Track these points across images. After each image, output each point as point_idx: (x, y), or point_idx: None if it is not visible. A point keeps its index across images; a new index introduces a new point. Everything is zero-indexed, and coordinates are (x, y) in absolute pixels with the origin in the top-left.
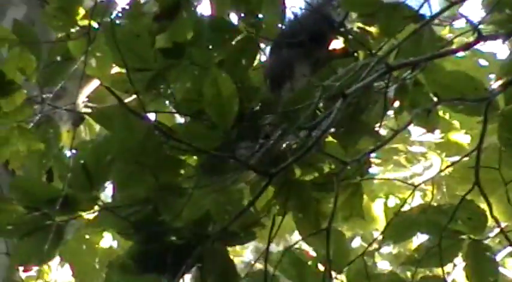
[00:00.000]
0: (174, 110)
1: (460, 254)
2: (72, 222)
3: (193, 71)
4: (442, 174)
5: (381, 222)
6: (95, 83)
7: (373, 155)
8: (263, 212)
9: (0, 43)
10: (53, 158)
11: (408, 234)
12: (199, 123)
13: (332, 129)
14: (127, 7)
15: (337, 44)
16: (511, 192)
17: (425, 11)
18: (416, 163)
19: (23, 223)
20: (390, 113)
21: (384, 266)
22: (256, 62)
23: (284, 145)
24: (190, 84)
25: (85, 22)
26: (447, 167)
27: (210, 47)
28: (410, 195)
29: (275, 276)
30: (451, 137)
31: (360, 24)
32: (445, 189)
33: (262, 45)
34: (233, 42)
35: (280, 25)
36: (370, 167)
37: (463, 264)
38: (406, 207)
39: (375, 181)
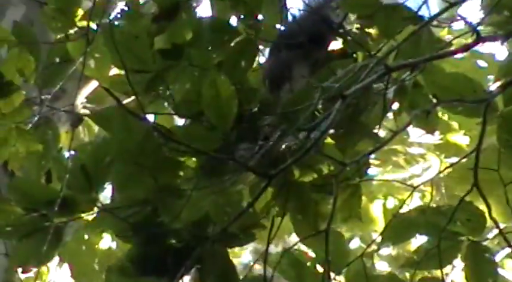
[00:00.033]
0: (173, 112)
1: (459, 256)
2: (71, 224)
3: (192, 72)
4: (441, 175)
5: (379, 224)
6: (93, 84)
7: (372, 156)
8: (262, 214)
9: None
10: (51, 160)
11: (407, 235)
12: (199, 125)
13: (331, 131)
14: (126, 8)
15: (336, 45)
16: (510, 193)
17: (424, 12)
18: (415, 164)
19: (22, 224)
20: (389, 114)
21: (382, 267)
22: (255, 64)
23: (283, 146)
24: (190, 85)
25: (83, 23)
26: (446, 168)
27: (209, 48)
28: (409, 196)
29: (274, 278)
30: (449, 138)
31: (359, 26)
32: (443, 190)
33: (260, 47)
34: (232, 44)
35: (279, 26)
36: (369, 168)
37: (462, 265)
38: (404, 209)
39: (374, 182)
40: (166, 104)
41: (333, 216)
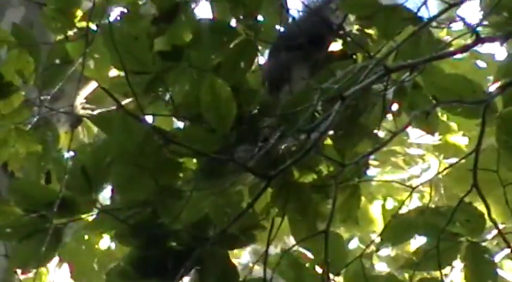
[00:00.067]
0: (172, 113)
1: (458, 256)
2: (71, 225)
3: (192, 73)
4: (440, 176)
5: (378, 224)
6: (93, 85)
7: (371, 157)
8: (262, 215)
9: None
10: (51, 161)
11: (406, 236)
12: (198, 127)
13: (331, 132)
14: (125, 10)
15: (336, 46)
16: (509, 194)
17: (423, 13)
18: (414, 165)
19: (22, 225)
20: (388, 115)
21: (381, 268)
22: (254, 65)
23: (283, 147)
24: (189, 87)
25: (83, 24)
26: (445, 169)
27: (209, 49)
28: (408, 197)
29: (273, 279)
30: (448, 139)
31: (359, 27)
32: (442, 191)
33: (260, 48)
34: (231, 45)
35: (278, 28)
36: (368, 168)
37: (461, 266)
38: (404, 209)
39: (373, 183)
40: (165, 105)
41: (332, 217)
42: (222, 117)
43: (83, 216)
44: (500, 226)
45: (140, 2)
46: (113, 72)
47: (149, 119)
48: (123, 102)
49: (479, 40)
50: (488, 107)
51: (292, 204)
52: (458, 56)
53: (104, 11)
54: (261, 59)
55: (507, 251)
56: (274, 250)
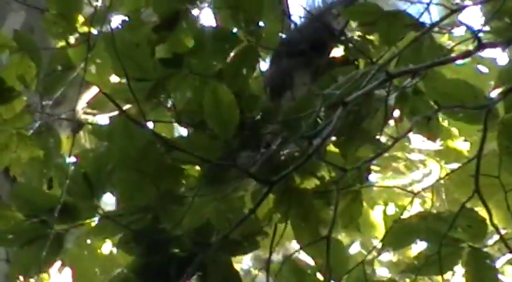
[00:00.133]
0: (173, 120)
1: (460, 262)
2: (73, 231)
3: (193, 80)
4: (442, 181)
5: (380, 230)
6: (94, 90)
7: (372, 162)
8: (264, 221)
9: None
10: (53, 167)
11: (408, 241)
12: (201, 134)
13: (333, 138)
14: (126, 18)
15: (338, 52)
16: (511, 198)
17: (425, 19)
18: (415, 170)
19: (23, 231)
20: (390, 120)
21: (383, 273)
22: (256, 71)
23: (285, 153)
24: (191, 94)
25: (84, 29)
26: (447, 175)
27: (211, 56)
28: (410, 202)
29: None
30: (450, 144)
31: (360, 33)
32: (444, 196)
33: (261, 54)
34: (233, 52)
35: (280, 34)
36: (370, 174)
37: (463, 271)
38: (405, 214)
39: (374, 188)
40: (167, 111)
41: (334, 222)
42: (225, 124)
43: (84, 221)
44: (502, 231)
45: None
46: (115, 78)
47: (150, 125)
48: (125, 108)
49: (481, 46)
50: (489, 112)
51: (295, 210)
52: (460, 61)
53: (105, 17)
54: (263, 65)
55: (509, 256)
56: (276, 256)
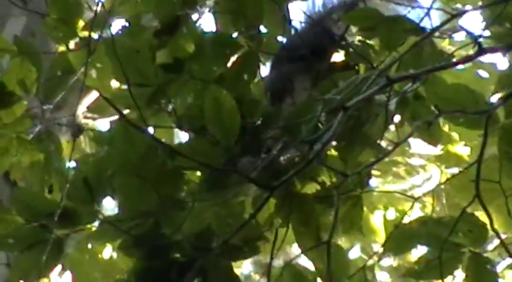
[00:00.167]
0: (174, 125)
1: (460, 266)
2: (73, 236)
3: (194, 85)
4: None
5: (380, 234)
6: (95, 94)
7: (373, 167)
8: (265, 226)
9: (0, 53)
10: (53, 171)
11: (408, 246)
12: (202, 139)
13: (334, 143)
14: (127, 24)
15: (338, 57)
16: (511, 203)
17: (426, 23)
18: (416, 175)
19: (24, 236)
20: (391, 125)
21: (383, 277)
22: (257, 76)
23: (286, 158)
24: (192, 99)
25: (85, 33)
26: (447, 179)
27: (211, 61)
28: (411, 207)
29: None
30: (450, 148)
31: (361, 38)
32: (444, 201)
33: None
34: (234, 57)
35: (281, 39)
36: (370, 179)
37: (463, 276)
38: (405, 219)
39: (374, 193)
40: (168, 116)
41: (335, 227)
42: (226, 130)
43: (85, 226)
44: (502, 236)
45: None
46: (115, 82)
47: (151, 130)
48: (125, 112)
49: (481, 51)
50: (490, 117)
51: (295, 215)
52: (460, 66)
53: (105, 21)
54: (264, 70)
55: (509, 260)
56: (276, 261)
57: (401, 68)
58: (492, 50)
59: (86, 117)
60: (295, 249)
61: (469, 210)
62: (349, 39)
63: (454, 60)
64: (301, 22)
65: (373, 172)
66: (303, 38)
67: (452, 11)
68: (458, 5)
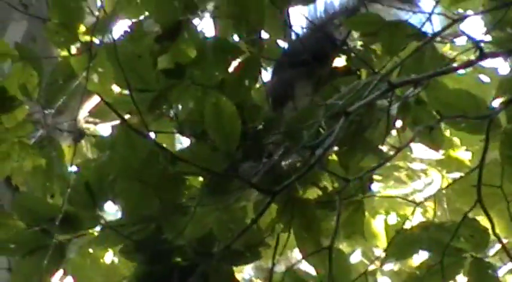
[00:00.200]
0: (175, 130)
1: (462, 272)
2: (75, 241)
3: (195, 91)
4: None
5: (381, 239)
6: (96, 98)
7: (374, 171)
8: (267, 231)
9: (1, 58)
10: (55, 177)
11: (410, 251)
12: (203, 145)
13: (335, 148)
14: (128, 29)
15: (340, 62)
16: None
17: (427, 28)
18: (417, 179)
19: (25, 241)
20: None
21: None
22: (258, 81)
23: (287, 163)
24: (193, 104)
25: (86, 38)
26: (449, 185)
27: (212, 66)
28: (412, 212)
29: None
30: (451, 153)
31: (363, 43)
32: (445, 206)
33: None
34: (235, 62)
35: (282, 44)
36: (372, 184)
37: (465, 281)
38: (407, 224)
39: (376, 197)
40: (169, 122)
41: (337, 232)
42: (226, 136)
43: (87, 231)
44: (504, 240)
45: (142, 17)
46: (117, 87)
47: (152, 135)
48: (126, 117)
49: (483, 55)
50: (491, 122)
51: (297, 220)
52: (462, 71)
53: (107, 26)
54: (265, 75)
55: (510, 265)
56: (278, 266)
57: (402, 73)
58: (493, 55)
59: (87, 122)
60: (296, 254)
61: (470, 215)
62: (350, 45)
63: (456, 65)
64: (302, 27)
65: (375, 177)
66: (305, 43)
67: (453, 16)
68: (460, 10)
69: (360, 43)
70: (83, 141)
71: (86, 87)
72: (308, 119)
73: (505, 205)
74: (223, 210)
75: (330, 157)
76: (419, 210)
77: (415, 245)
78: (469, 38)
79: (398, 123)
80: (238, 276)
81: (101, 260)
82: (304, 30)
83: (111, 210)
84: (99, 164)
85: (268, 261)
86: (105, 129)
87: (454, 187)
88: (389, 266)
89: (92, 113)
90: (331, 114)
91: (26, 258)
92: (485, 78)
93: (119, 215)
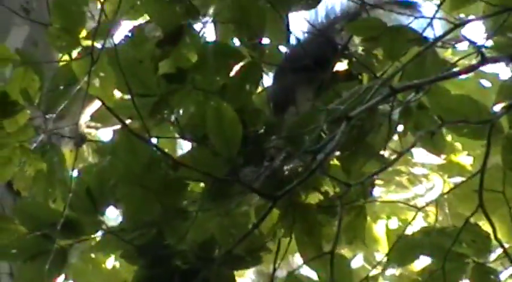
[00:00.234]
0: (177, 135)
1: (464, 277)
2: (77, 246)
3: (196, 95)
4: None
5: (383, 244)
6: (97, 103)
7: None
8: (268, 236)
9: (3, 63)
10: (57, 182)
11: (412, 257)
12: (204, 150)
13: (337, 152)
14: (129, 34)
15: (341, 66)
16: None
17: (428, 33)
18: (418, 184)
19: (27, 247)
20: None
21: None
22: (260, 86)
23: (289, 168)
24: (194, 109)
25: (88, 43)
26: (450, 189)
27: (214, 71)
28: (414, 217)
29: None
30: (453, 158)
31: (364, 47)
32: (447, 210)
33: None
34: (237, 67)
35: (283, 49)
36: (374, 189)
37: None
38: (408, 229)
39: (377, 202)
40: (171, 127)
41: (338, 237)
42: (228, 141)
43: (88, 237)
44: (506, 245)
45: (142, 20)
46: (118, 92)
47: (154, 140)
48: (127, 122)
49: (484, 60)
50: (493, 127)
51: (299, 224)
52: (463, 76)
53: (108, 31)
54: (266, 80)
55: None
56: (279, 271)
57: (404, 78)
58: (495, 60)
59: (88, 127)
60: (298, 259)
61: (472, 220)
62: (352, 49)
63: (457, 70)
64: (304, 32)
65: (377, 181)
66: (306, 48)
67: (455, 21)
68: (461, 15)
69: (361, 48)
70: (84, 146)
71: (87, 91)
72: (309, 124)
73: (506, 210)
74: (225, 215)
75: (331, 162)
76: (420, 215)
77: (416, 250)
78: (471, 43)
79: (400, 128)
80: (239, 281)
81: (103, 265)
82: (306, 35)
83: (113, 216)
84: (100, 169)
85: (270, 266)
86: (106, 133)
87: (456, 192)
88: (391, 271)
89: (93, 118)
90: (333, 119)
91: (28, 263)
92: (486, 83)
93: (120, 220)
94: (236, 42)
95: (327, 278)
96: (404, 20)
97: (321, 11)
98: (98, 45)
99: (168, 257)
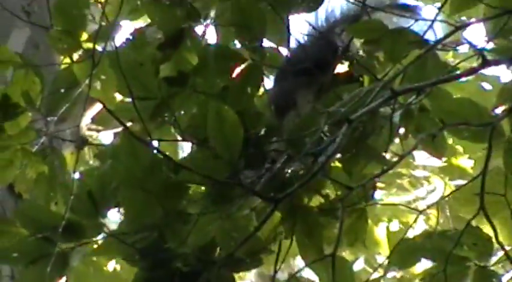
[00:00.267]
0: (178, 138)
1: (466, 280)
2: (78, 249)
3: (197, 98)
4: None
5: (384, 246)
6: (99, 106)
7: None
8: (270, 238)
9: (4, 65)
10: (58, 185)
11: (413, 260)
12: (205, 153)
13: (338, 155)
14: (130, 37)
15: (342, 68)
16: None
17: (429, 36)
18: (420, 187)
19: (28, 250)
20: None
21: None
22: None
23: (290, 171)
24: (195, 111)
25: (89, 45)
26: (452, 192)
27: (215, 74)
28: (415, 220)
29: None
30: (454, 161)
31: (365, 50)
32: (448, 213)
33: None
34: (238, 70)
35: (284, 52)
36: (375, 191)
37: None
38: (410, 232)
39: (378, 205)
40: (172, 130)
41: (339, 240)
42: (228, 144)
43: (89, 240)
44: (507, 248)
45: (143, 22)
46: (119, 95)
47: (155, 143)
48: (128, 125)
49: (485, 63)
50: (494, 129)
51: (300, 227)
52: (464, 78)
53: (109, 34)
54: (267, 82)
55: None
56: (280, 273)
57: (405, 81)
58: (496, 63)
59: (89, 129)
60: (299, 261)
61: (473, 223)
62: (353, 51)
63: (458, 72)
64: (304, 35)
65: (378, 184)
66: (307, 51)
67: (456, 24)
68: (462, 18)
69: (362, 50)
70: (85, 149)
71: (88, 94)
72: (310, 127)
73: (508, 213)
74: (226, 218)
75: (332, 164)
76: (421, 217)
77: (417, 253)
78: (471, 45)
79: (401, 131)
80: None
81: (104, 268)
82: (306, 37)
83: (114, 219)
84: (101, 172)
85: (271, 268)
86: (107, 136)
87: (457, 195)
88: (392, 274)
89: (95, 121)
90: (334, 122)
91: (29, 266)
92: (487, 86)
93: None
94: (237, 45)
95: (328, 281)
96: (405, 22)
97: (321, 13)
98: (99, 48)
99: (169, 259)
